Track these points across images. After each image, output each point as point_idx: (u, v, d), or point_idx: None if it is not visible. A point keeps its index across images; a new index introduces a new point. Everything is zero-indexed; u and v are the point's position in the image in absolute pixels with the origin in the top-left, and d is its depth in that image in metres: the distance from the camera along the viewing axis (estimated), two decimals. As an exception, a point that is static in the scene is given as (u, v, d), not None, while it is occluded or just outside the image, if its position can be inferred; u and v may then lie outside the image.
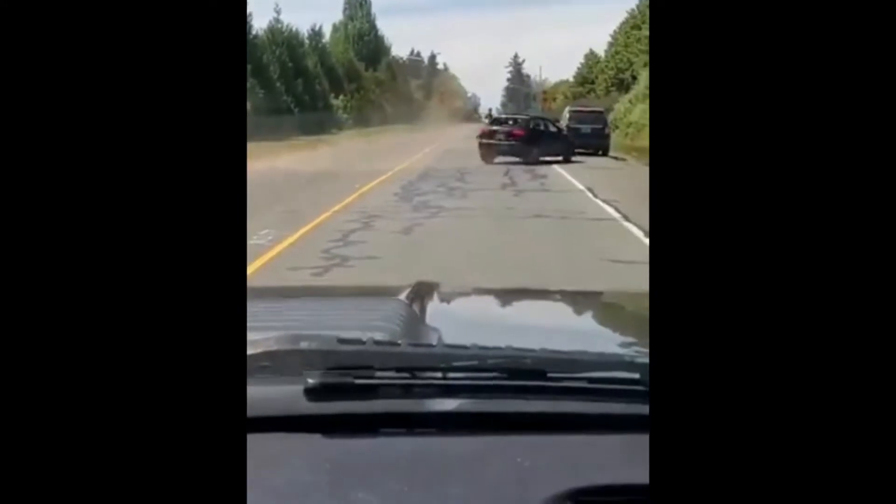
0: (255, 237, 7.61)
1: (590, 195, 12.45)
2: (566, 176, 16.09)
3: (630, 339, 1.56)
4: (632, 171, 18.04)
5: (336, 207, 10.45)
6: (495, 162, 18.89)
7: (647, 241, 8.14)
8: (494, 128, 20.44)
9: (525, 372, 0.93)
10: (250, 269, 6.52)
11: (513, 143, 19.31)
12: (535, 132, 20.24)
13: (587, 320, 1.75)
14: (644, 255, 6.92)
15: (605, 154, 22.88)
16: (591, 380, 0.94)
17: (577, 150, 22.02)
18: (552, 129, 21.25)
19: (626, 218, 9.70)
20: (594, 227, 9.33)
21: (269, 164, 17.41)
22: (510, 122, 20.85)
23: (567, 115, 25.23)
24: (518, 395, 0.92)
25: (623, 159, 21.67)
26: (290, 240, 8.04)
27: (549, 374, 0.93)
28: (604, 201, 11.44)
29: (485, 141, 19.99)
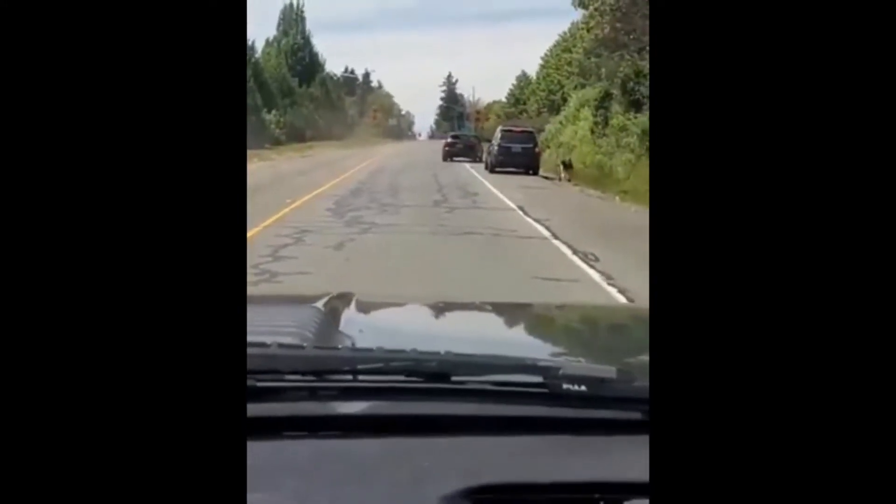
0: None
1: (521, 213, 12.62)
2: (498, 194, 16.27)
3: (539, 344, 1.61)
4: (561, 191, 18.36)
5: (267, 222, 10.34)
6: (453, 160, 30.15)
7: (573, 257, 8.32)
8: (452, 140, 34.68)
9: (429, 374, 0.94)
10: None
11: (462, 147, 32.35)
12: (472, 144, 33.67)
13: (498, 327, 1.78)
14: (571, 274, 7.04)
15: (535, 173, 23.37)
16: (494, 382, 0.95)
17: (507, 170, 23.37)
18: (473, 142, 34.53)
19: (556, 236, 9.87)
20: (525, 244, 9.47)
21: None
22: (461, 137, 36.83)
23: (499, 135, 25.90)
24: (422, 397, 0.94)
25: (553, 179, 22.02)
26: (220, 254, 7.95)
27: (453, 377, 0.94)
28: (535, 220, 11.61)
29: (447, 147, 32.53)
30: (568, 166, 22.48)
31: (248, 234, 9.22)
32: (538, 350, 1.47)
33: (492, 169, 24.35)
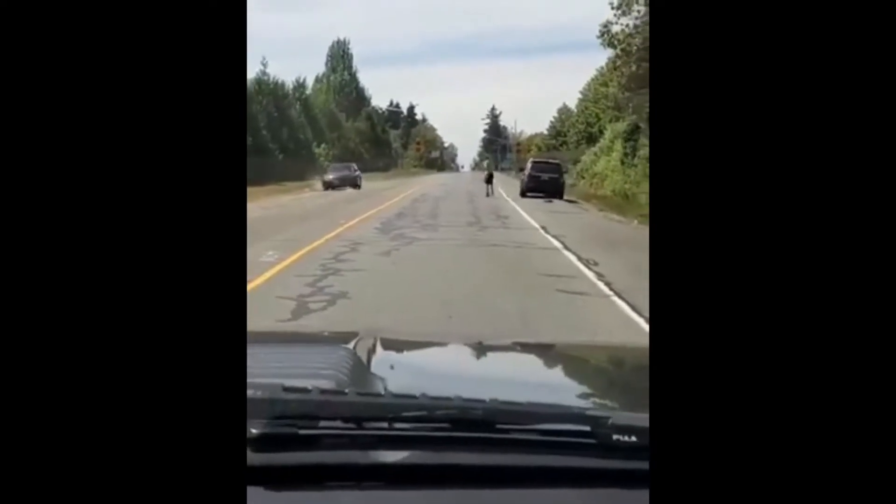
0: (263, 257, 9.61)
1: (542, 232, 14.58)
2: (525, 217, 18.28)
3: (584, 391, 1.56)
4: (585, 216, 20.25)
5: (327, 236, 12.48)
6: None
7: (577, 262, 10.20)
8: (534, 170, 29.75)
9: (474, 423, 0.91)
10: (266, 276, 8.47)
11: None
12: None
13: (540, 371, 1.73)
14: (571, 271, 9.03)
15: (560, 197, 26.59)
16: (542, 432, 0.92)
17: (535, 195, 26.65)
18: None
19: (566, 248, 11.80)
20: (539, 253, 11.43)
21: (260, 204, 19.48)
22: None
23: (529, 166, 30.14)
24: (466, 447, 0.91)
25: (576, 202, 23.97)
26: (293, 258, 10.01)
27: (499, 426, 0.92)
28: (553, 236, 13.55)
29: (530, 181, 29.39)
30: (489, 181, 28.30)
31: (315, 245, 11.33)
32: (582, 397, 1.46)
33: (523, 194, 27.84)
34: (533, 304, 7.17)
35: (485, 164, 32.72)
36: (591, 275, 9.19)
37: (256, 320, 6.23)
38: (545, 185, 27.53)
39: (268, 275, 8.66)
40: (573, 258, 10.69)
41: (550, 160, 32.70)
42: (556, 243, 12.56)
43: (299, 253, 10.50)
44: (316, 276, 8.64)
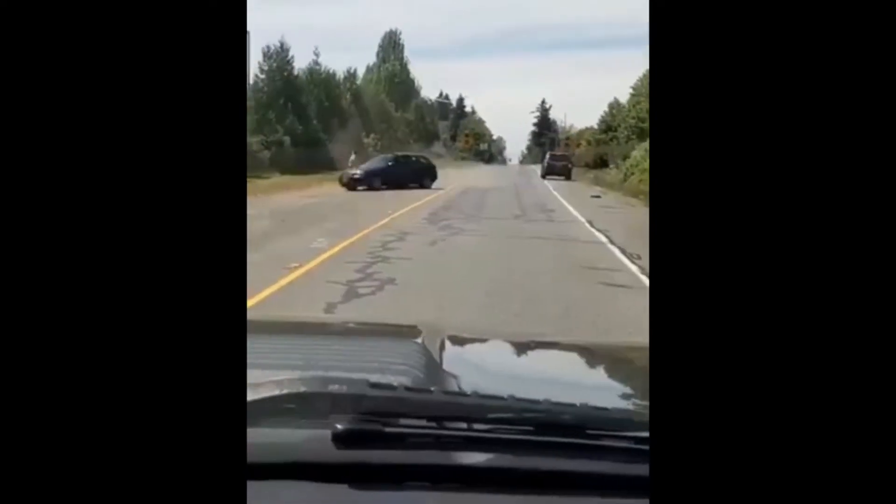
0: (313, 244, 9.94)
1: (588, 226, 14.70)
2: (572, 211, 18.39)
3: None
4: (633, 211, 20.22)
5: (375, 226, 12.78)
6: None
7: (621, 256, 10.32)
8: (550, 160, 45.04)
9: (563, 427, 0.89)
10: (316, 261, 8.77)
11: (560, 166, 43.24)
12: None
13: (622, 375, 1.69)
14: (614, 264, 9.22)
15: (568, 179, 39.80)
16: (634, 439, 0.89)
17: (551, 177, 40.42)
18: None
19: (612, 242, 11.91)
20: (584, 246, 11.58)
21: (309, 192, 19.89)
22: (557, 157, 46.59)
23: (547, 157, 46.31)
24: (555, 452, 0.88)
25: (610, 195, 24.03)
26: (343, 245, 10.32)
27: (589, 431, 0.89)
28: (598, 230, 13.67)
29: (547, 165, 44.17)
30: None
31: (363, 233, 11.62)
32: None
33: (544, 176, 41.98)
34: (577, 295, 7.33)
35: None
36: (634, 268, 9.31)
37: (309, 303, 6.58)
38: (558, 169, 42.33)
39: (318, 260, 8.97)
40: (617, 251, 10.81)
41: (563, 153, 49.32)
42: (602, 237, 12.67)
43: (348, 241, 10.80)
44: (365, 262, 8.91)
